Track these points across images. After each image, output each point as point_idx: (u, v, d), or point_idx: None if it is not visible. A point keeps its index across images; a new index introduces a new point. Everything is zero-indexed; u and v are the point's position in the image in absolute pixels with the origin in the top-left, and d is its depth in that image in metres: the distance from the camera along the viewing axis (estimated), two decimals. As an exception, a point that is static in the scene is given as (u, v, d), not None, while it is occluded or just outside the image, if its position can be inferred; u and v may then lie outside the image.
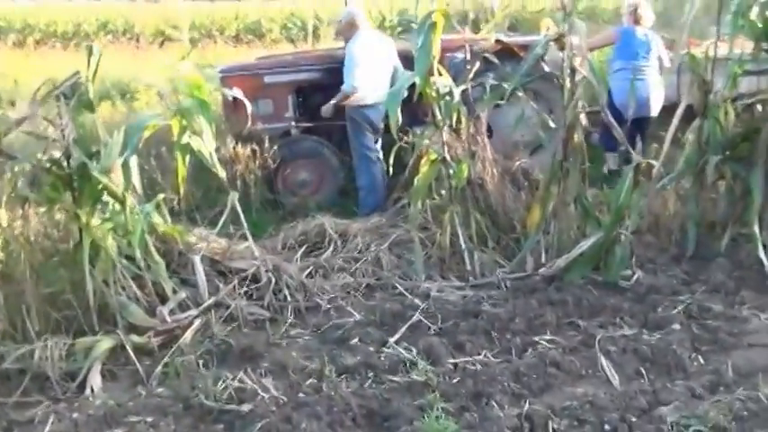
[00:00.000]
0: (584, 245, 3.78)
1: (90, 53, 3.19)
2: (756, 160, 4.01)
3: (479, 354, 3.21)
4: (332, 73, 6.05)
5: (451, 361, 3.15)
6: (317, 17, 23.73)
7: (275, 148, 5.66)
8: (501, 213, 4.31)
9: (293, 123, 5.96)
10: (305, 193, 5.81)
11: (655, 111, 5.46)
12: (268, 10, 24.86)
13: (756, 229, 3.96)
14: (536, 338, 3.27)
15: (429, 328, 3.49)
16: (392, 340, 3.38)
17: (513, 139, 5.67)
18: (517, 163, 4.91)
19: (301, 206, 5.60)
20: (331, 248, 4.45)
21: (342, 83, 5.95)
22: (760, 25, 4.15)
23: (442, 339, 3.33)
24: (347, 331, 3.51)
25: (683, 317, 3.45)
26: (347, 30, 5.55)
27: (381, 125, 5.48)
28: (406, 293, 3.88)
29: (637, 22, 5.54)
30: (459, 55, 5.35)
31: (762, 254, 3.91)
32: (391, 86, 5.35)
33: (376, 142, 5.58)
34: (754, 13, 4.14)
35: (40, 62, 12.87)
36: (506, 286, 3.87)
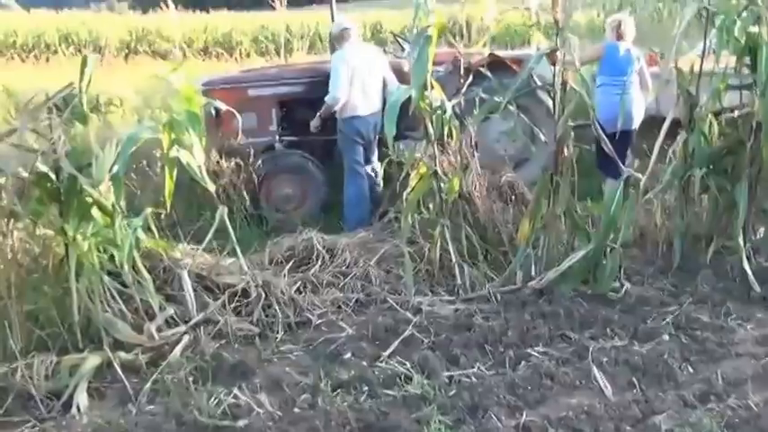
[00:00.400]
0: (574, 258, 3.93)
1: (84, 64, 3.24)
2: (740, 174, 4.22)
3: (474, 366, 3.31)
4: (316, 86, 6.16)
5: (447, 374, 3.25)
6: (289, 30, 23.85)
7: (259, 162, 5.75)
8: (490, 227, 4.44)
9: (277, 137, 6.06)
10: (289, 208, 5.90)
11: (636, 124, 5.71)
12: (238, 22, 24.89)
13: (741, 241, 4.15)
14: (529, 351, 3.40)
15: (422, 341, 3.59)
16: (385, 354, 3.47)
17: (499, 153, 5.85)
18: (504, 177, 5.07)
19: (285, 221, 5.68)
20: (319, 263, 4.53)
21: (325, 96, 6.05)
22: (742, 41, 4.37)
23: (436, 353, 3.44)
24: (339, 346, 3.59)
25: (671, 328, 3.61)
26: (337, 41, 5.68)
27: (374, 137, 5.59)
28: (398, 308, 3.97)
29: (620, 37, 5.76)
30: (441, 68, 5.53)
31: (746, 265, 4.09)
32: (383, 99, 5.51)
33: (372, 155, 5.69)
34: (736, 29, 4.35)
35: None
36: (497, 299, 3.99)
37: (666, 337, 3.50)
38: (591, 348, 3.35)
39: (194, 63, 19.77)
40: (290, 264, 4.56)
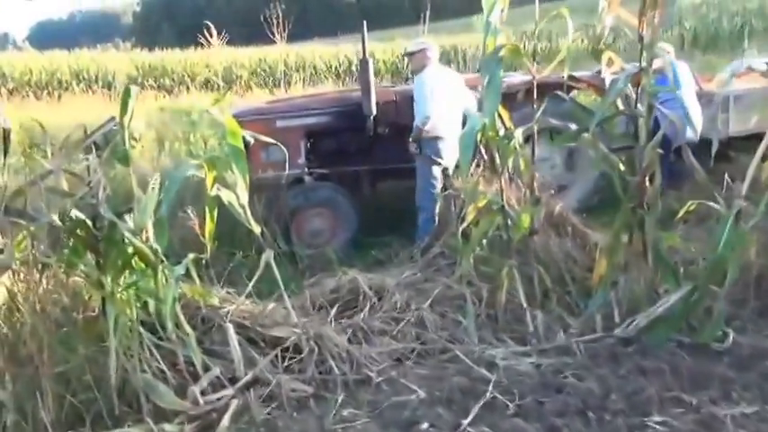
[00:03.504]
0: (667, 301, 3.25)
1: (127, 95, 2.57)
2: None
3: (581, 440, 2.62)
4: (344, 117, 5.59)
5: (549, 451, 2.56)
6: (286, 63, 23.61)
7: (289, 196, 5.10)
8: (562, 266, 3.78)
9: (306, 169, 5.41)
10: (319, 243, 5.25)
11: (697, 136, 5.25)
12: (237, 56, 24.50)
13: None
14: (644, 419, 2.68)
15: (507, 406, 2.89)
16: (466, 423, 2.77)
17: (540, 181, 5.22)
18: (557, 207, 4.42)
19: (317, 257, 5.01)
20: (368, 308, 3.84)
21: (355, 127, 5.50)
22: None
23: (528, 422, 2.73)
24: (411, 412, 2.87)
25: (807, 388, 2.91)
26: (419, 61, 5.14)
27: (452, 161, 4.93)
28: (469, 362, 3.26)
29: None
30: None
31: None
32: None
33: (449, 181, 5.05)
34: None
35: (15, 112, 12.11)
36: (580, 351, 3.29)
37: (804, 401, 2.79)
38: (721, 418, 2.64)
39: (197, 95, 19.26)
40: (335, 308, 3.87)
